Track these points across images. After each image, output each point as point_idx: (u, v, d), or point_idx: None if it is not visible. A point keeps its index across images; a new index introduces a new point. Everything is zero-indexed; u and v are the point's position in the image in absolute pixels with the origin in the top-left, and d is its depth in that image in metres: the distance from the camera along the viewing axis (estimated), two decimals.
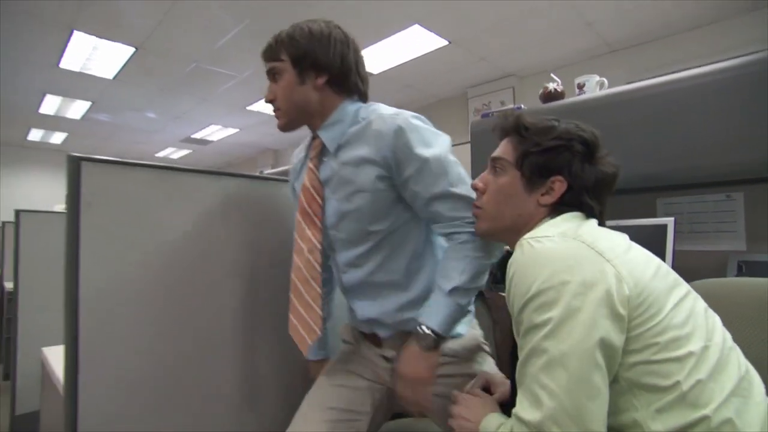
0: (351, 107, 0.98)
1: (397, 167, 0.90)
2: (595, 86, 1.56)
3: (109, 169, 0.95)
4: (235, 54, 4.18)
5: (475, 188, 0.83)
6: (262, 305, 1.17)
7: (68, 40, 3.87)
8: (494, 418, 0.70)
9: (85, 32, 3.72)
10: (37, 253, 2.28)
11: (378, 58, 4.34)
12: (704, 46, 3.59)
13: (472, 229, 0.87)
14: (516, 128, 0.78)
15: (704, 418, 0.55)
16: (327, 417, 0.96)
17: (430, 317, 0.86)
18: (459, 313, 0.88)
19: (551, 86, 1.61)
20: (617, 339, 0.57)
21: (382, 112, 0.94)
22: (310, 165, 0.98)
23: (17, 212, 2.28)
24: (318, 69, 0.94)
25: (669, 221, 1.32)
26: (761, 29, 3.19)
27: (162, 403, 0.99)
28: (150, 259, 0.98)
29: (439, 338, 0.85)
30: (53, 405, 1.27)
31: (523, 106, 1.71)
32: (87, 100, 5.55)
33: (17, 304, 2.28)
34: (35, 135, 7.31)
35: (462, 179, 0.91)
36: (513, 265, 0.66)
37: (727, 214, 1.46)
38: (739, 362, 0.61)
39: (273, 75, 0.98)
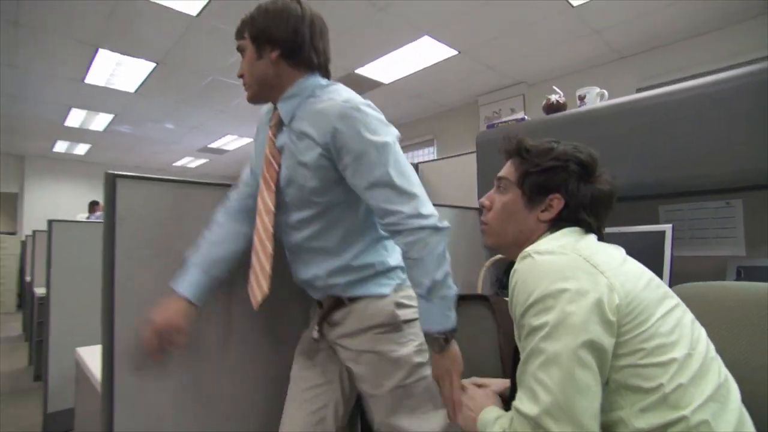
0: (308, 82, 1.02)
1: (338, 153, 0.94)
2: (595, 98, 1.62)
3: (140, 185, 1.04)
4: None
5: (482, 205, 0.90)
6: (281, 309, 1.24)
7: (93, 58, 4.06)
8: (493, 411, 0.77)
9: (110, 50, 3.90)
10: (67, 261, 2.41)
11: (389, 68, 4.44)
12: (711, 51, 3.61)
13: (414, 225, 0.90)
14: (518, 151, 0.85)
15: (683, 418, 0.59)
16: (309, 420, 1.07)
17: (429, 324, 0.92)
18: (448, 302, 0.92)
19: (553, 98, 1.67)
20: (607, 342, 0.63)
21: (334, 95, 0.98)
22: (270, 134, 1.04)
23: (49, 222, 2.42)
24: (272, 43, 0.99)
25: (667, 228, 1.37)
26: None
27: (190, 400, 1.07)
28: (178, 266, 1.07)
29: (446, 335, 0.91)
30: (88, 402, 1.36)
31: (527, 117, 1.77)
32: (110, 112, 5.76)
33: (49, 309, 2.42)
34: (60, 146, 7.59)
35: (404, 172, 0.93)
36: (516, 275, 0.72)
37: (726, 220, 1.49)
38: (719, 371, 0.67)
39: (240, 52, 1.04)
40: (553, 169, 0.80)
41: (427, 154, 6.14)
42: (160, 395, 1.03)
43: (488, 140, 1.82)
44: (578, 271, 0.66)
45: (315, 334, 1.09)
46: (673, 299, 0.71)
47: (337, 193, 0.99)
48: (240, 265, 1.09)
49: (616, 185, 0.83)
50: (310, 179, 0.97)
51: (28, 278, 3.91)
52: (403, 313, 1.03)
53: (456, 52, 4.08)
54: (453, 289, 0.93)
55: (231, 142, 7.36)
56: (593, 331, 0.62)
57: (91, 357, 1.36)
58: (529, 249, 0.73)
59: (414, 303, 1.01)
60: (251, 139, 5.21)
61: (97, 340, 1.04)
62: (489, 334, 1.31)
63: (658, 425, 0.60)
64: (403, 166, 0.95)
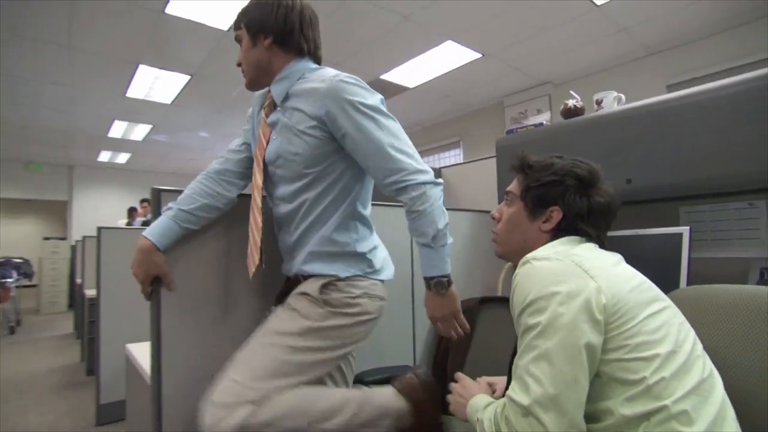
0: (298, 65, 1.09)
1: (333, 124, 1.01)
2: (612, 102, 1.63)
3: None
4: None
5: (492, 217, 0.98)
6: None
7: (134, 73, 4.33)
8: (483, 398, 0.84)
9: (149, 65, 4.15)
10: (115, 264, 2.61)
11: (413, 73, 4.51)
12: (743, 46, 3.51)
13: (416, 179, 0.99)
14: (521, 167, 0.92)
15: (664, 408, 0.65)
16: None
17: (431, 269, 1.02)
18: (448, 249, 1.02)
19: (571, 103, 1.70)
20: (596, 340, 0.69)
21: (323, 73, 1.06)
22: (263, 114, 1.12)
23: (99, 229, 2.63)
24: (265, 31, 1.08)
25: (685, 230, 1.38)
26: None
27: None
28: (215, 267, 1.18)
29: (446, 278, 1.03)
30: (138, 393, 1.50)
31: (545, 122, 1.80)
32: (148, 123, 6.08)
33: (99, 309, 2.62)
34: (104, 156, 8.05)
35: (397, 134, 1.02)
36: (516, 279, 0.79)
37: (749, 221, 1.49)
38: (703, 368, 0.71)
39: (238, 42, 1.13)
40: (552, 184, 0.86)
41: (454, 155, 6.16)
42: (205, 387, 1.14)
43: (508, 145, 1.86)
44: (569, 276, 0.73)
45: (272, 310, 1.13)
46: (662, 302, 0.76)
47: (327, 165, 1.05)
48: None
49: (614, 197, 0.88)
50: (302, 148, 1.03)
51: (78, 280, 4.19)
52: (335, 298, 1.03)
53: (480, 55, 4.10)
54: (450, 240, 1.03)
55: None
56: (585, 333, 0.68)
57: (140, 352, 1.49)
58: (528, 256, 0.80)
59: (357, 302, 1.05)
60: None
61: (144, 337, 1.16)
62: (507, 335, 1.35)
63: (642, 413, 0.66)
64: (395, 128, 1.03)
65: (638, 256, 1.45)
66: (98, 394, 2.60)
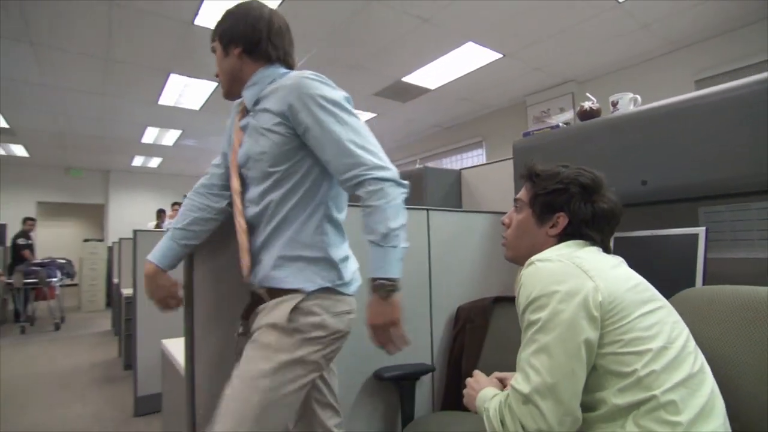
0: (267, 72, 1.11)
1: (295, 118, 1.00)
2: (628, 103, 1.64)
3: None
4: None
5: (503, 223, 1.04)
6: None
7: (166, 82, 4.52)
8: (490, 390, 0.90)
9: (179, 74, 4.33)
10: None
11: (434, 75, 4.54)
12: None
13: (376, 175, 0.96)
14: (529, 175, 0.98)
15: (653, 397, 0.70)
16: None
17: (376, 270, 0.96)
18: (399, 252, 0.96)
19: (587, 105, 1.71)
20: (593, 335, 0.75)
21: (291, 74, 1.08)
22: (236, 119, 1.15)
23: (135, 232, 2.79)
24: (234, 41, 1.11)
25: (700, 231, 1.38)
26: None
27: None
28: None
29: (392, 283, 0.96)
30: (173, 386, 1.60)
31: (561, 124, 1.82)
32: (178, 128, 6.32)
33: (135, 307, 2.77)
34: (138, 161, 8.40)
35: (359, 130, 1.00)
36: (521, 279, 0.85)
37: None
38: (693, 363, 0.76)
39: (214, 53, 1.16)
40: (558, 191, 0.91)
41: (477, 155, 6.16)
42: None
43: (524, 147, 1.89)
44: (569, 276, 0.78)
45: (239, 329, 1.12)
46: (658, 302, 0.81)
47: (292, 164, 1.04)
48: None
49: (617, 203, 0.93)
50: (268, 146, 1.03)
51: (115, 280, 4.41)
52: (304, 324, 1.00)
53: (501, 56, 4.11)
54: (404, 244, 0.97)
55: None
56: (584, 329, 0.74)
57: (175, 347, 1.60)
58: (533, 257, 0.86)
59: (325, 324, 1.02)
60: None
61: (179, 333, 1.25)
62: (519, 333, 1.40)
63: (632, 402, 0.72)
64: (356, 125, 1.02)
65: (654, 257, 1.47)
66: (135, 387, 2.75)
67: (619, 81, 4.37)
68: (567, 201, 0.90)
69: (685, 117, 1.45)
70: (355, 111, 1.04)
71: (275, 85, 1.07)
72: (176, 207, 6.20)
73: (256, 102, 1.10)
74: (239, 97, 1.16)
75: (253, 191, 1.08)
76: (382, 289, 0.96)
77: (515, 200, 1.01)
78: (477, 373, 1.01)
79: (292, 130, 1.02)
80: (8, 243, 6.30)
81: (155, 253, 1.15)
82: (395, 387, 1.46)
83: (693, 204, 1.62)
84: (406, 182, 1.01)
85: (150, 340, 2.67)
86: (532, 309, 0.78)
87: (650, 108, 1.51)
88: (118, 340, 4.27)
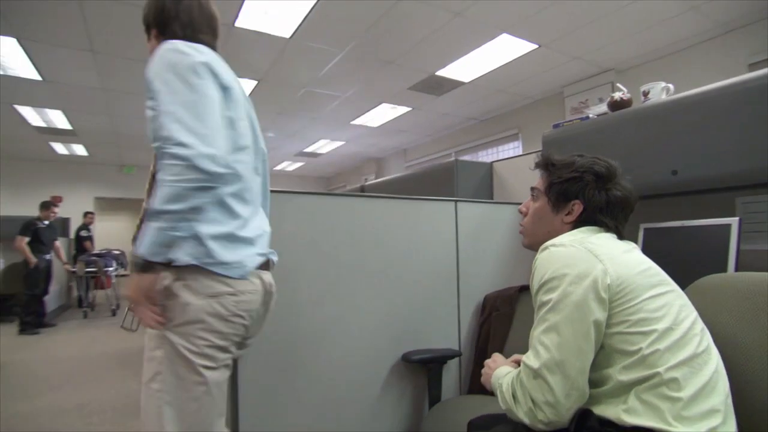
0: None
1: (149, 88, 0.98)
2: (660, 92, 1.61)
3: None
4: (338, 77, 4.71)
5: (520, 212, 1.08)
6: (365, 297, 1.48)
7: None
8: (505, 369, 0.95)
9: None
10: None
11: (468, 68, 4.53)
12: None
13: (173, 150, 0.88)
14: (545, 165, 1.02)
15: (657, 374, 0.74)
16: None
17: (137, 245, 0.90)
18: (159, 237, 0.88)
19: (617, 95, 1.70)
20: (601, 316, 0.79)
21: None
22: None
23: None
24: (151, 24, 1.14)
25: (733, 221, 1.36)
26: None
27: (295, 363, 1.36)
28: (281, 255, 1.35)
29: (145, 262, 0.90)
30: None
31: (591, 115, 1.81)
32: None
33: None
34: None
35: (185, 101, 0.92)
36: (536, 263, 0.90)
37: None
38: (699, 344, 0.78)
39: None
40: (573, 180, 0.96)
41: (513, 148, 6.08)
42: (269, 359, 1.33)
43: (554, 139, 1.89)
44: (580, 260, 0.83)
45: None
46: (667, 287, 0.84)
47: None
48: None
49: (632, 191, 0.96)
50: (149, 121, 0.99)
51: None
52: (176, 323, 0.94)
53: (536, 46, 4.04)
54: (171, 230, 0.89)
55: (324, 146, 7.94)
56: (593, 310, 0.78)
57: None
58: (547, 243, 0.90)
59: (197, 317, 0.94)
60: (343, 142, 5.73)
61: None
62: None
63: (635, 379, 0.76)
64: (189, 96, 0.94)
65: (685, 249, 1.46)
66: None
67: (662, 68, 4.19)
68: (582, 189, 0.94)
69: (720, 104, 1.41)
70: (206, 79, 0.97)
71: None
72: None
73: None
74: None
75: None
76: (133, 265, 0.92)
77: (532, 189, 1.05)
78: (496, 354, 1.07)
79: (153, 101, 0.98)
80: (71, 235, 6.81)
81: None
82: (423, 370, 1.53)
83: (728, 194, 1.58)
84: (209, 169, 0.90)
85: None
86: (544, 290, 0.83)
87: (682, 97, 1.49)
88: None
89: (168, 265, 0.94)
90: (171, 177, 0.88)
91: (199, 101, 0.95)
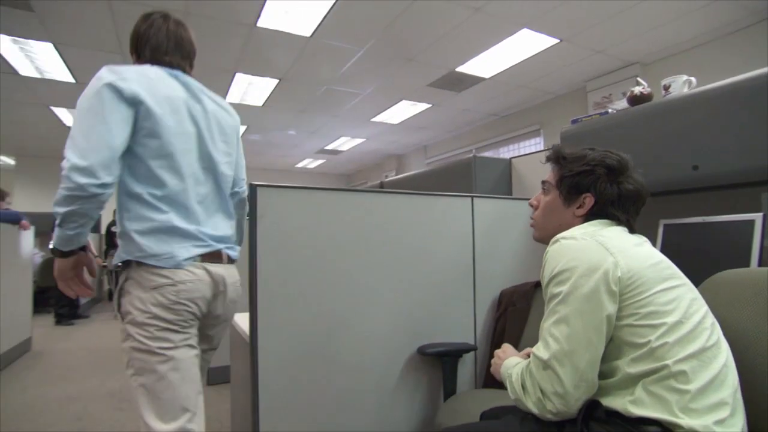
0: None
1: None
2: (682, 86, 1.59)
3: (273, 191, 1.39)
4: (358, 75, 4.75)
5: (530, 205, 1.09)
6: (382, 291, 1.51)
7: (232, 81, 4.85)
8: (514, 359, 0.96)
9: (244, 72, 4.63)
10: None
11: (489, 63, 4.49)
12: None
13: (62, 163, 1.02)
14: (556, 158, 1.02)
15: (665, 366, 0.75)
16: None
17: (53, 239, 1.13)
18: (59, 231, 1.08)
19: (637, 89, 1.68)
20: (611, 309, 0.79)
21: None
22: None
23: None
24: (131, 50, 1.31)
25: (757, 217, 1.33)
26: None
27: (314, 355, 1.40)
28: (301, 250, 1.40)
29: (57, 250, 1.12)
30: (239, 357, 1.80)
31: (610, 110, 1.79)
32: (243, 124, 6.73)
33: None
34: None
35: (80, 119, 1.06)
36: (547, 255, 0.91)
37: None
38: (708, 339, 0.78)
39: None
40: (584, 173, 0.96)
41: (534, 144, 6.00)
42: (292, 348, 1.37)
43: (573, 134, 1.88)
44: (591, 252, 0.83)
45: None
46: (678, 280, 0.84)
47: None
48: None
49: (643, 185, 0.96)
50: None
51: None
52: (125, 311, 1.11)
53: (557, 41, 3.99)
54: (65, 229, 1.07)
55: (345, 143, 8.00)
56: (605, 304, 0.79)
57: (242, 320, 1.79)
58: (558, 235, 0.91)
59: (138, 307, 1.09)
60: (363, 140, 5.78)
61: (245, 309, 1.41)
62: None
63: (644, 371, 0.76)
64: (83, 113, 1.07)
65: (706, 245, 1.44)
66: None
67: (690, 60, 4.06)
68: (593, 182, 0.94)
69: (744, 97, 1.37)
70: (105, 101, 1.07)
71: None
72: None
73: None
74: None
75: None
76: (52, 251, 1.14)
77: (543, 182, 1.05)
78: (505, 345, 1.08)
79: None
80: (102, 231, 7.07)
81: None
82: (438, 363, 1.55)
83: (751, 189, 1.54)
84: (77, 181, 1.02)
85: None
86: (555, 282, 0.84)
87: (703, 90, 1.46)
88: None
89: (124, 268, 1.14)
90: (61, 185, 1.04)
91: (91, 121, 1.06)
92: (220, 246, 1.24)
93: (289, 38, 3.83)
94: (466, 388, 1.61)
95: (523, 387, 0.85)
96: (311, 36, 3.80)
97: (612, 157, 0.95)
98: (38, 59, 4.20)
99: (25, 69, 4.42)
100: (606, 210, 0.94)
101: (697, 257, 1.44)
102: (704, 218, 1.47)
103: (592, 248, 0.84)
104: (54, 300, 5.45)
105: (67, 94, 5.13)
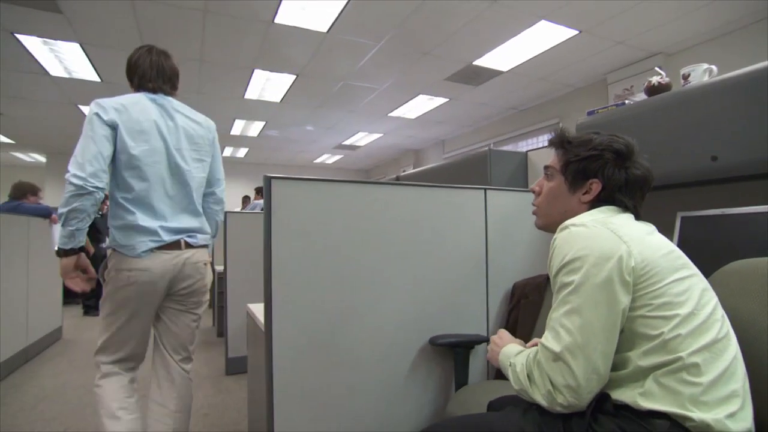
0: None
1: None
2: (702, 75, 1.55)
3: (288, 183, 1.41)
4: (375, 70, 4.76)
5: (533, 191, 1.06)
6: (395, 282, 1.53)
7: (250, 78, 4.92)
8: (514, 347, 0.94)
9: (262, 69, 4.69)
10: (238, 242, 3.10)
11: (507, 56, 4.44)
12: None
13: (65, 175, 1.40)
14: (561, 143, 0.99)
15: (678, 359, 0.73)
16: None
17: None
18: (63, 231, 1.44)
19: (655, 79, 1.64)
20: (624, 299, 0.76)
21: None
22: None
23: (225, 213, 3.13)
24: (128, 79, 1.69)
25: None
26: None
27: (328, 343, 1.43)
28: (315, 242, 1.42)
29: (60, 249, 1.47)
30: (256, 341, 1.85)
31: (628, 101, 1.75)
32: (262, 120, 6.82)
33: (226, 281, 3.14)
34: (227, 152, 9.18)
35: (78, 145, 1.45)
36: (555, 243, 0.88)
37: None
38: (719, 330, 0.76)
39: None
40: (591, 158, 0.93)
41: None
42: (305, 335, 1.41)
43: (589, 126, 1.86)
44: (604, 240, 0.80)
45: None
46: (689, 270, 0.82)
47: None
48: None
49: (650, 170, 0.93)
50: None
51: (210, 258, 4.94)
52: (110, 265, 1.56)
53: (577, 32, 3.92)
54: (68, 226, 1.42)
55: (362, 139, 8.03)
56: (614, 290, 0.76)
57: (257, 310, 1.83)
58: (567, 222, 0.89)
59: (111, 275, 1.54)
60: (380, 135, 5.83)
61: (260, 300, 1.44)
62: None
63: (656, 363, 0.74)
64: (82, 135, 1.46)
65: (725, 238, 1.41)
66: (226, 350, 3.14)
67: (717, 49, 3.93)
68: (601, 167, 0.92)
69: (765, 86, 1.33)
70: (95, 125, 1.48)
71: None
72: (260, 192, 6.72)
73: None
74: None
75: None
76: (57, 253, 1.49)
77: (545, 168, 1.02)
78: (501, 331, 1.06)
79: None
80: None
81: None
82: (450, 354, 1.57)
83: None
84: (76, 183, 1.39)
85: (238, 311, 3.02)
86: (565, 271, 0.81)
87: (723, 79, 1.42)
88: (213, 312, 4.81)
89: (110, 252, 1.58)
90: (64, 193, 1.41)
91: (85, 141, 1.46)
92: (180, 236, 1.62)
93: (306, 34, 3.87)
94: (478, 380, 1.62)
95: (530, 378, 0.83)
96: (328, 31, 3.83)
97: (619, 142, 0.92)
98: (66, 59, 4.34)
99: (55, 69, 4.58)
100: (613, 196, 0.91)
101: (716, 250, 1.41)
102: (723, 210, 1.44)
103: (604, 236, 0.81)
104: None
105: (94, 93, 5.29)
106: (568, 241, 0.83)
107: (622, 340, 0.79)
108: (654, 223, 0.93)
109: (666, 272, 0.78)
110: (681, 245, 1.56)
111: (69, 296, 6.06)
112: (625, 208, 0.92)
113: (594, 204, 0.93)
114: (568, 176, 0.96)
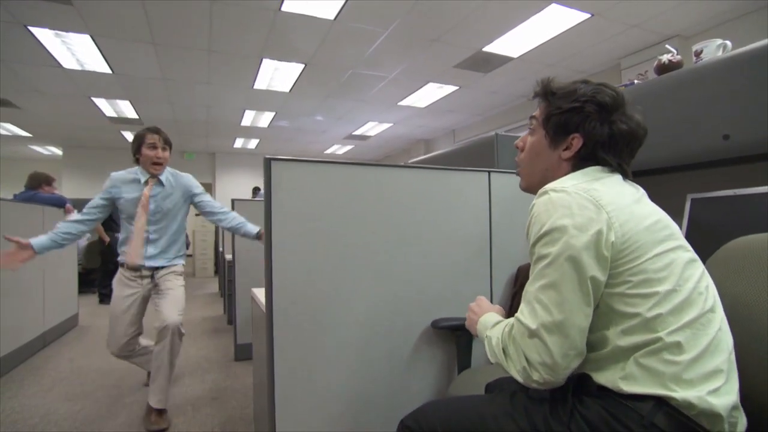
0: None
1: None
2: (715, 50, 1.49)
3: (288, 165, 1.41)
4: (384, 58, 4.71)
5: (516, 147, 0.98)
6: (397, 265, 1.52)
7: (259, 67, 4.92)
8: (492, 317, 0.90)
9: (270, 58, 4.69)
10: None
11: (517, 42, 4.36)
12: None
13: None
14: (545, 94, 0.90)
15: (658, 339, 0.69)
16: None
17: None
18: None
19: (665, 57, 1.59)
20: (601, 275, 0.72)
21: None
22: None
23: (232, 201, 3.16)
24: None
25: None
26: None
27: (329, 325, 1.43)
28: (314, 223, 1.42)
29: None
30: (259, 332, 1.86)
31: (636, 81, 1.71)
32: (272, 110, 6.83)
33: (234, 269, 3.17)
34: (238, 143, 9.24)
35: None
36: (533, 209, 0.80)
37: None
38: (703, 305, 0.72)
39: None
40: (573, 110, 0.84)
41: None
42: (302, 315, 1.41)
43: None
44: (583, 210, 0.75)
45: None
46: (674, 242, 0.77)
47: None
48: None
49: (640, 124, 0.84)
50: None
51: (220, 248, 5.00)
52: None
53: (589, 15, 3.82)
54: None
55: (372, 128, 7.99)
56: (591, 267, 0.72)
57: (261, 294, 1.84)
58: (547, 186, 0.82)
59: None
60: (390, 124, 5.84)
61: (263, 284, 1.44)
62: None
63: (636, 343, 0.71)
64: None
65: (737, 220, 1.36)
66: (235, 337, 3.19)
67: (735, 31, 3.80)
68: (582, 121, 0.83)
69: None
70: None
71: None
72: None
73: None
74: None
75: None
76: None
77: (530, 119, 0.94)
78: (480, 298, 1.02)
79: None
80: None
81: (36, 242, 2.10)
82: (452, 337, 1.56)
83: None
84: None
85: (246, 299, 3.05)
86: (543, 243, 0.76)
87: (734, 54, 1.37)
88: (223, 301, 4.87)
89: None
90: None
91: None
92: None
93: (314, 22, 3.84)
94: (481, 363, 1.61)
95: (505, 353, 0.79)
96: (335, 19, 3.80)
97: (605, 92, 0.83)
98: (78, 51, 4.39)
99: (68, 62, 4.64)
100: (596, 153, 0.83)
101: (727, 233, 1.37)
102: (735, 191, 1.39)
103: (584, 205, 0.75)
104: (98, 281, 5.79)
105: (106, 85, 5.35)
106: (548, 209, 0.77)
107: (598, 316, 0.75)
108: (663, 207, 0.86)
109: (648, 246, 0.74)
110: (690, 227, 1.53)
111: (85, 285, 6.21)
112: (611, 168, 0.84)
113: (576, 163, 0.86)
114: (549, 130, 0.88)
